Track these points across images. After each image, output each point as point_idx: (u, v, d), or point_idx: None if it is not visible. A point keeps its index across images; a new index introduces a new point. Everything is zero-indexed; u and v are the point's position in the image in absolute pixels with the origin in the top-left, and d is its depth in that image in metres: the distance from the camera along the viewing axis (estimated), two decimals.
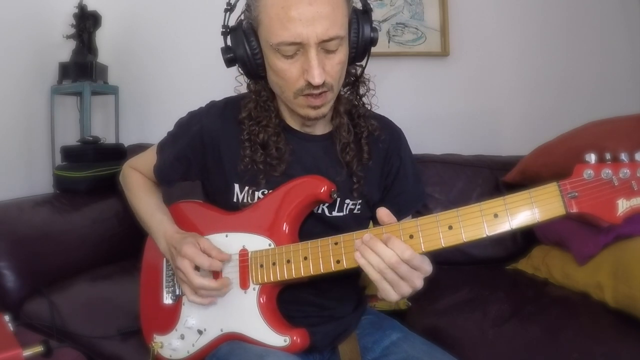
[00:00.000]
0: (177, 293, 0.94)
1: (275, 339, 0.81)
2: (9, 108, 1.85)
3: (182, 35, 2.16)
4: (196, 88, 2.14)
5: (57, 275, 1.42)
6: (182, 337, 0.91)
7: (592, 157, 0.65)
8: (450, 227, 0.70)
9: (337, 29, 0.76)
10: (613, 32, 2.05)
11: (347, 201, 0.92)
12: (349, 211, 0.93)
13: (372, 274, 0.71)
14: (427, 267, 0.72)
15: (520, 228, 0.67)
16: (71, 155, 1.87)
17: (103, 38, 2.11)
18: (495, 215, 0.68)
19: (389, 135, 0.97)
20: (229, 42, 0.85)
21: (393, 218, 0.74)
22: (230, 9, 0.85)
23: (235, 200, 0.91)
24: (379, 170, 0.96)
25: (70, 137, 2.06)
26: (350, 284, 1.00)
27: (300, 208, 0.86)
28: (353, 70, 0.91)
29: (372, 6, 0.86)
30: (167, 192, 1.07)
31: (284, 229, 0.85)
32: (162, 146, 1.01)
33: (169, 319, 0.94)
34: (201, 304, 0.87)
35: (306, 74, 0.77)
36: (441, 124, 2.09)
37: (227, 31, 0.85)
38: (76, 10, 2.01)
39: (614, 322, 1.08)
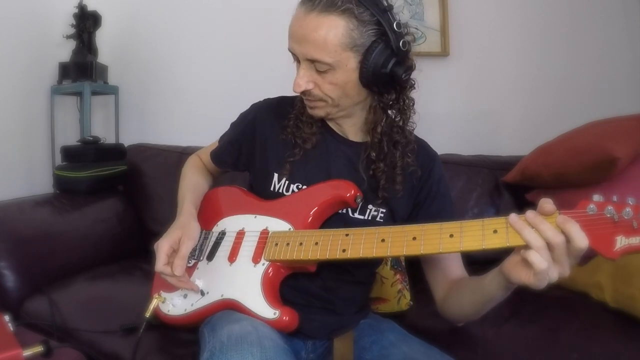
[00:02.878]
0: (196, 258, 1.01)
1: (266, 310, 0.86)
2: (9, 108, 1.85)
3: (182, 35, 2.16)
4: (196, 88, 2.15)
5: (57, 275, 1.41)
6: (185, 296, 0.97)
7: (599, 197, 0.66)
8: (451, 235, 0.74)
9: (321, 54, 0.83)
10: (613, 32, 2.05)
11: (370, 206, 0.96)
12: (371, 217, 0.96)
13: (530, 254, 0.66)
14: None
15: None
16: (71, 155, 1.86)
17: (103, 38, 2.11)
18: (495, 231, 0.70)
19: (422, 160, 1.00)
20: None
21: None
22: None
23: (272, 189, 1.00)
24: (409, 193, 0.98)
25: (70, 137, 2.07)
26: (359, 290, 1.03)
27: (326, 206, 0.94)
28: (389, 97, 0.92)
29: None
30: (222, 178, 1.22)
31: (308, 218, 0.93)
32: (223, 135, 1.15)
33: None
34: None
35: None
36: (441, 124, 2.09)
37: None
38: (76, 10, 2.01)
39: (614, 322, 1.08)
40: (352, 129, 1.00)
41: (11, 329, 0.94)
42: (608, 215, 0.64)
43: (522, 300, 1.24)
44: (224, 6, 2.12)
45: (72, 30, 2.02)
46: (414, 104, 0.95)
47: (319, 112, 0.95)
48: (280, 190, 0.99)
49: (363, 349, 0.93)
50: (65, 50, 2.04)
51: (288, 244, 0.88)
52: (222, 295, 0.92)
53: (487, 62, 2.08)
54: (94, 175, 1.80)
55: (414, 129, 0.99)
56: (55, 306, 1.24)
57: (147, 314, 0.96)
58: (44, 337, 0.95)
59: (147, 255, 1.12)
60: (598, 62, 2.04)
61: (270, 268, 0.90)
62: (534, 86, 2.08)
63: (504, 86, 2.08)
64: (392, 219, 0.97)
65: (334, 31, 0.82)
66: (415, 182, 0.99)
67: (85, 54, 2.01)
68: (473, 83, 2.09)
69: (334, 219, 0.96)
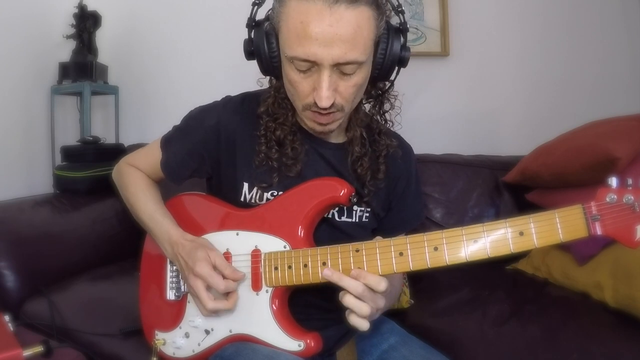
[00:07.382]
0: (182, 290, 0.93)
1: (290, 343, 0.80)
2: (9, 108, 1.85)
3: (182, 35, 2.16)
4: (196, 88, 2.14)
5: (57, 275, 1.41)
6: (187, 335, 0.90)
7: (614, 181, 0.65)
8: (475, 241, 0.70)
9: (357, 54, 0.72)
10: (613, 32, 2.05)
11: (356, 207, 0.91)
12: (358, 218, 0.92)
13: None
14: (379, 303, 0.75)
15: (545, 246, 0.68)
16: (71, 155, 1.86)
17: (103, 38, 2.11)
18: (521, 234, 0.68)
19: (403, 154, 0.96)
20: (252, 36, 0.82)
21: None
22: (258, 3, 0.82)
23: (242, 199, 0.89)
24: (387, 187, 0.95)
25: (70, 137, 2.06)
26: None
27: (318, 210, 0.84)
28: (380, 84, 0.88)
29: None
30: (167, 184, 1.03)
31: (300, 231, 0.83)
32: (168, 140, 0.97)
33: (172, 315, 0.93)
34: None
35: (315, 93, 0.75)
36: (441, 124, 2.09)
37: (252, 25, 0.82)
38: (76, 10, 2.01)
39: (614, 322, 1.08)
40: (337, 130, 0.88)
41: (11, 329, 0.94)
42: (627, 204, 0.64)
43: (523, 300, 1.24)
44: (224, 6, 2.12)
45: (72, 30, 2.02)
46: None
47: (333, 126, 0.82)
48: (253, 201, 0.88)
49: (363, 352, 0.93)
50: (65, 50, 2.03)
51: (290, 266, 0.80)
52: (230, 331, 0.85)
53: (487, 62, 2.09)
54: (94, 175, 1.80)
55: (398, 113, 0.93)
56: (55, 307, 1.24)
57: None
58: (44, 337, 0.95)
59: None
60: (598, 62, 2.05)
61: (275, 295, 0.82)
62: (534, 86, 2.08)
63: (504, 86, 2.09)
64: (374, 218, 0.94)
65: (367, 23, 0.72)
66: (391, 183, 0.95)
67: (85, 54, 2.01)
68: (473, 83, 2.10)
69: (320, 225, 0.87)
